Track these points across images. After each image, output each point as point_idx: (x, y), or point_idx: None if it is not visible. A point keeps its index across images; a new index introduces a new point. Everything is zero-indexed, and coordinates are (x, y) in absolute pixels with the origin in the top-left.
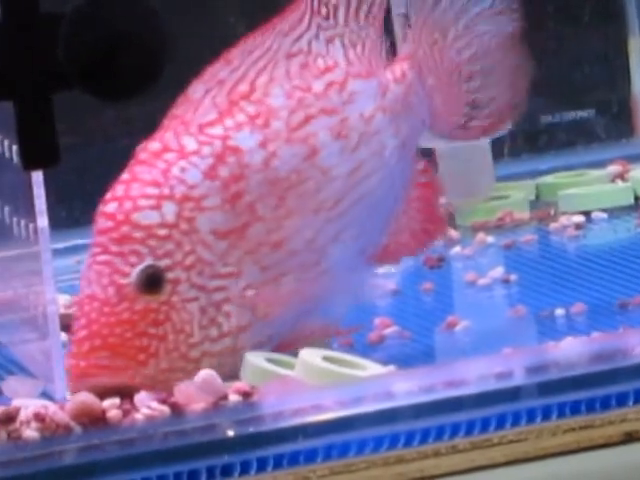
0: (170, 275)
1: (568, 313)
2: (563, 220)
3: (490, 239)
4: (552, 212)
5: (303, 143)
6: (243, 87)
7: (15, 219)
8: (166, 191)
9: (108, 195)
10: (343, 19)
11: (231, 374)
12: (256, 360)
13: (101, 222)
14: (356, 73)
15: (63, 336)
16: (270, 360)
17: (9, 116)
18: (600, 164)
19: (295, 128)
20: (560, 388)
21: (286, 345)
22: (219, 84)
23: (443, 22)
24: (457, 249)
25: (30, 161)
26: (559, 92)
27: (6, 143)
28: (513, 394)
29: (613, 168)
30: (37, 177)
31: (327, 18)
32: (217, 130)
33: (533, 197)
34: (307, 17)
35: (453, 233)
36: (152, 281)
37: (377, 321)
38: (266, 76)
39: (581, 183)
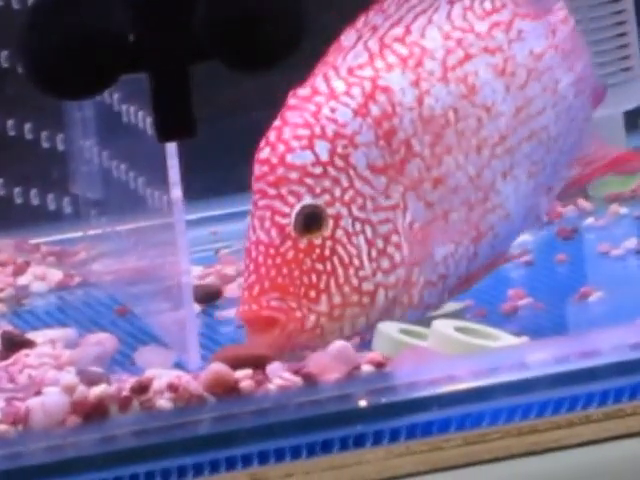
0: (331, 211)
1: None
2: None
3: (623, 210)
4: None
5: (461, 82)
6: (397, 31)
7: (149, 190)
8: (317, 130)
9: (261, 143)
10: None
11: (403, 312)
12: (389, 330)
13: (257, 168)
14: (524, 14)
15: (197, 307)
16: (403, 331)
17: (144, 87)
18: None
19: (453, 67)
20: None
21: (463, 284)
22: (372, 30)
23: None
24: (590, 220)
25: (165, 133)
26: None
27: (140, 114)
28: None
29: None
30: (171, 148)
31: None
32: (367, 72)
33: None
34: None
35: (586, 204)
36: (312, 219)
37: (510, 292)
38: (424, 20)
39: None
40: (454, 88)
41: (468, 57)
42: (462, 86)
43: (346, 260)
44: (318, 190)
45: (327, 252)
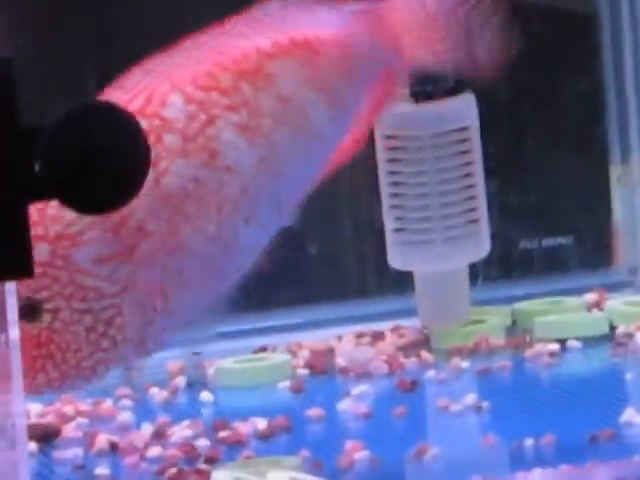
0: (49, 305)
1: (538, 443)
2: (538, 347)
3: (465, 364)
4: (528, 339)
5: (202, 150)
6: (138, 101)
7: None
8: (40, 231)
9: None
10: None
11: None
12: None
13: None
14: (272, 53)
15: (34, 446)
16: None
17: None
18: (577, 292)
19: (194, 137)
20: None
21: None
22: None
23: None
24: (431, 373)
25: (3, 271)
26: (538, 218)
27: None
28: None
29: (590, 296)
30: (10, 287)
31: None
32: None
33: (509, 323)
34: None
35: (428, 357)
36: (30, 313)
37: (348, 444)
38: (165, 84)
39: (557, 310)
40: (195, 159)
41: (211, 120)
42: (203, 154)
43: (63, 346)
44: (37, 287)
45: (44, 340)
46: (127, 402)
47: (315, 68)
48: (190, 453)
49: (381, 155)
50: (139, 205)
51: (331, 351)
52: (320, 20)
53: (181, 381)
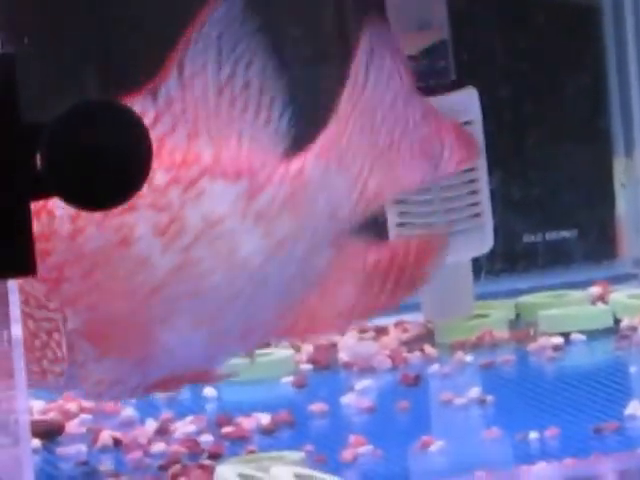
0: None
1: (542, 436)
2: (542, 341)
3: (468, 358)
4: (531, 332)
5: (116, 230)
6: None
7: None
8: None
9: None
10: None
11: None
12: (227, 475)
13: None
14: (220, 172)
15: (37, 442)
16: (242, 475)
17: None
18: (581, 285)
19: (112, 214)
20: None
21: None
22: None
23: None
24: (435, 367)
25: (5, 269)
26: (542, 212)
27: None
28: None
29: (594, 290)
30: (12, 285)
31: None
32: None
33: (513, 317)
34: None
35: (432, 351)
36: None
37: (351, 438)
38: None
39: (561, 304)
40: (108, 234)
41: (131, 208)
42: (115, 235)
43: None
44: None
45: None
46: None
47: (256, 200)
48: (194, 449)
49: None
50: (58, 246)
51: (334, 346)
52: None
53: None
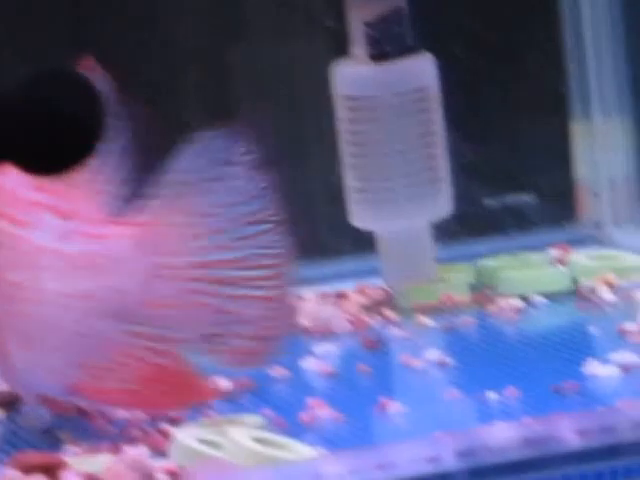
0: None
1: (502, 397)
2: (502, 303)
3: (429, 322)
4: (491, 295)
5: None
6: None
7: None
8: None
9: None
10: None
11: None
12: (186, 440)
13: None
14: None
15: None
16: (202, 440)
17: None
18: (541, 248)
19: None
20: (490, 473)
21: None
22: None
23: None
24: (396, 331)
25: None
26: (501, 175)
27: None
28: (443, 478)
29: (554, 252)
30: None
31: None
32: None
33: (473, 280)
34: None
35: (392, 315)
36: None
37: (310, 402)
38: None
39: (521, 267)
40: None
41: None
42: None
43: None
44: None
45: None
46: None
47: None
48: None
49: (341, 115)
50: None
51: None
52: None
53: None
